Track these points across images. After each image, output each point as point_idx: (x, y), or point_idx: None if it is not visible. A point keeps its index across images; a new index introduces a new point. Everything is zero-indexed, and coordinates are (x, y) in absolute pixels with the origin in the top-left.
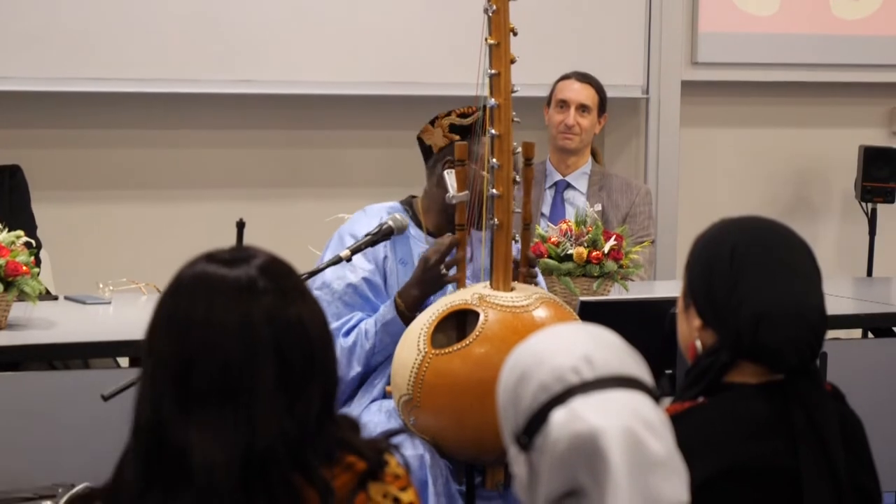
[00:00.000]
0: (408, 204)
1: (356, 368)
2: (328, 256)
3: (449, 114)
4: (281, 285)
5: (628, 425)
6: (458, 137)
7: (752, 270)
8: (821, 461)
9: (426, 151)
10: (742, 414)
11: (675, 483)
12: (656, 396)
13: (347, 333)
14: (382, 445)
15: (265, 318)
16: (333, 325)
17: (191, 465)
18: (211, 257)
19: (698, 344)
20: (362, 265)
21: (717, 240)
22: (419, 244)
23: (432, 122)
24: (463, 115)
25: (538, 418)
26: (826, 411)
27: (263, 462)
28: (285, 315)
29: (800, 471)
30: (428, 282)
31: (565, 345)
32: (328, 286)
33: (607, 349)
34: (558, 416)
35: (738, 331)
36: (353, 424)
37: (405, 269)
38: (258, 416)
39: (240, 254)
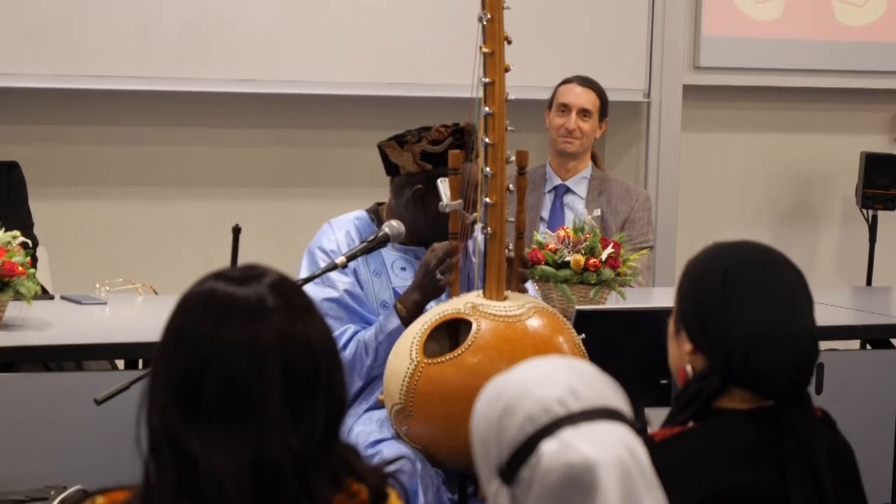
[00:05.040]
0: (374, 212)
1: (357, 383)
2: (303, 276)
3: (420, 139)
4: (290, 304)
5: (620, 456)
6: (430, 167)
7: (744, 295)
8: (810, 489)
9: (390, 167)
10: (731, 440)
11: None
12: (636, 428)
13: (345, 347)
14: (383, 473)
15: (274, 337)
16: None
17: (199, 477)
18: (219, 276)
19: (689, 368)
20: (340, 279)
21: (710, 264)
22: (391, 253)
23: (400, 142)
24: (434, 143)
25: (524, 450)
26: (816, 438)
27: (271, 478)
28: (293, 334)
29: (789, 498)
30: (427, 286)
31: (548, 376)
32: None
33: (590, 380)
34: (549, 447)
35: (729, 355)
36: (355, 451)
37: (380, 280)
38: (265, 431)
39: (249, 272)
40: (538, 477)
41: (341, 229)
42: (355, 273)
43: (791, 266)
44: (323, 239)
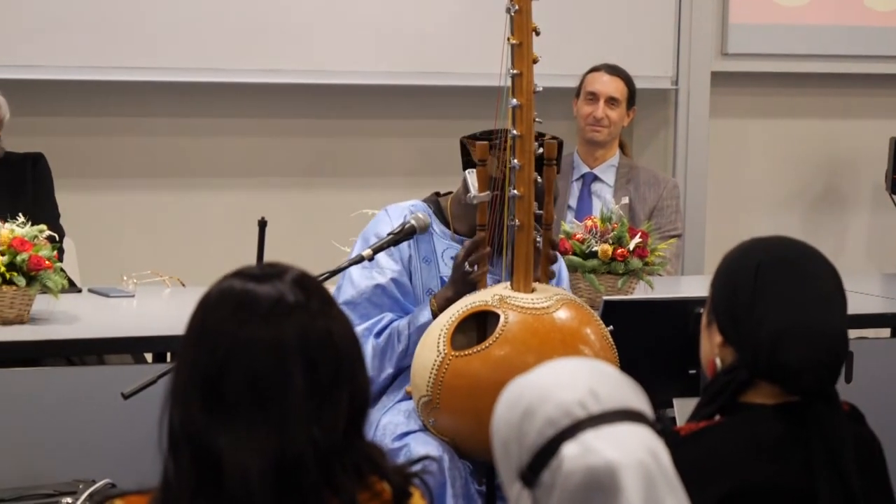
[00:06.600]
0: (433, 202)
1: (388, 370)
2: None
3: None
4: (310, 299)
5: (641, 458)
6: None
7: (775, 290)
8: (836, 484)
9: (469, 164)
10: (757, 435)
11: None
12: (658, 429)
13: (379, 335)
14: (408, 472)
15: (295, 333)
16: (363, 325)
17: (223, 472)
18: (240, 274)
19: (718, 361)
20: (390, 266)
21: (744, 258)
22: (443, 242)
23: (490, 144)
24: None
25: (545, 454)
26: (842, 434)
27: (295, 471)
28: (314, 329)
29: (815, 493)
30: (458, 282)
31: (568, 379)
32: (356, 287)
33: (610, 382)
34: (570, 450)
35: (756, 349)
36: (380, 449)
37: (428, 267)
38: (288, 425)
39: (269, 270)
40: (559, 480)
41: (398, 216)
42: (409, 260)
43: (825, 263)
44: (380, 225)
